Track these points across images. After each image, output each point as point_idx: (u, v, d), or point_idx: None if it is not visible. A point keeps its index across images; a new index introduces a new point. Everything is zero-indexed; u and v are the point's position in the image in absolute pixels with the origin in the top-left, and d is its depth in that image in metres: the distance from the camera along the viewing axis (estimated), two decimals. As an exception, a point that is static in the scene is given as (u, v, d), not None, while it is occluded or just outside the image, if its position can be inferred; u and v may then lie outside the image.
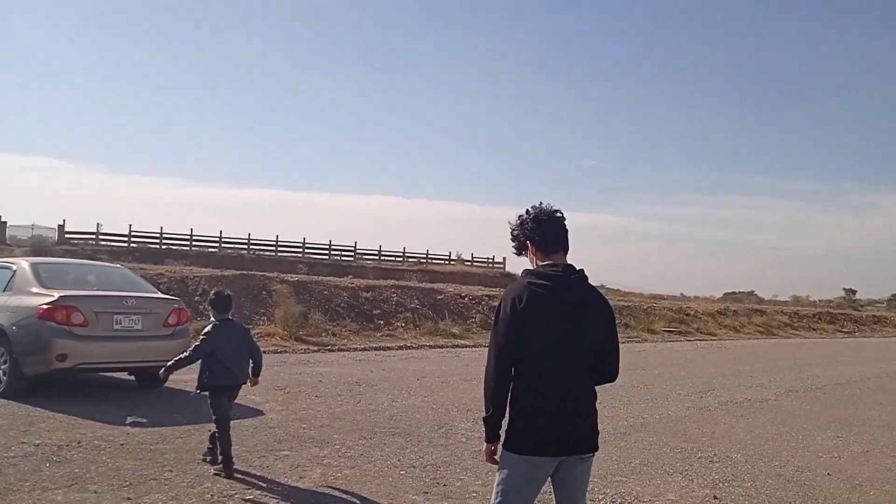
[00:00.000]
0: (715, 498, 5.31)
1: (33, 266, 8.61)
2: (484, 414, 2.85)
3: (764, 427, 8.33)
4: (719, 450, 6.94)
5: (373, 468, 5.62)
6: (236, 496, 4.73)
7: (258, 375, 5.76)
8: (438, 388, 10.10)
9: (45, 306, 7.66)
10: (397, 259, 42.21)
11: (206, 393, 5.43)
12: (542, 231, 2.97)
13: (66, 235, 32.13)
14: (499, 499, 2.83)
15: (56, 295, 7.79)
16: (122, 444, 5.91)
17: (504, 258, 45.75)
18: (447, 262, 43.32)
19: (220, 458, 5.25)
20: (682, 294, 46.77)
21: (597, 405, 2.92)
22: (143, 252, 30.51)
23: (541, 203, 3.05)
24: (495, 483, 2.87)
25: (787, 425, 8.53)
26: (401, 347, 16.30)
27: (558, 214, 3.02)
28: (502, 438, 2.86)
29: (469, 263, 44.19)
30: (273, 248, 37.94)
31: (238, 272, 19.50)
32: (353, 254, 40.79)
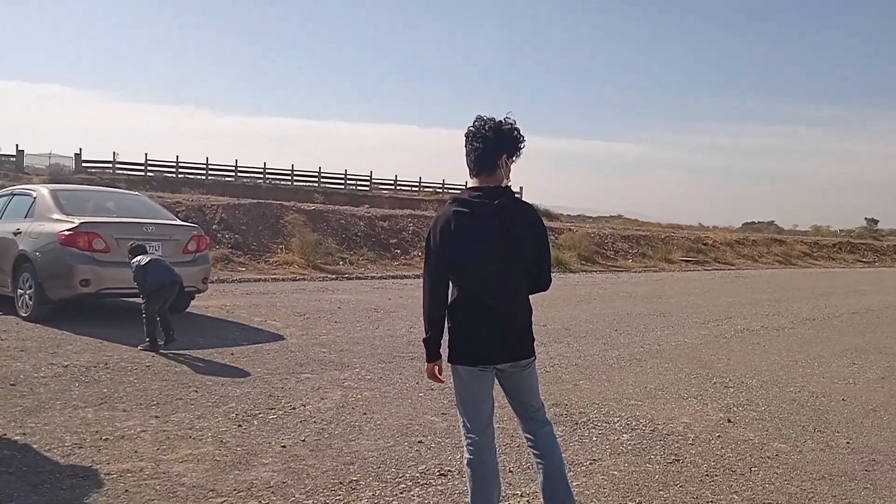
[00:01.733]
0: (729, 421, 5.38)
1: (53, 193, 8.66)
2: (425, 335, 2.98)
3: (780, 354, 8.37)
4: (734, 376, 7.00)
5: (392, 390, 5.74)
6: (260, 415, 4.86)
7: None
8: (455, 314, 10.20)
9: (66, 232, 7.73)
10: (413, 189, 42.06)
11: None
12: (469, 149, 2.98)
13: (84, 164, 32.20)
14: (464, 408, 3.07)
15: (77, 221, 7.86)
16: (147, 366, 6.06)
17: (521, 187, 45.42)
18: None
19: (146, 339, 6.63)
20: (700, 224, 46.48)
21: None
22: (159, 181, 30.58)
23: (480, 116, 2.98)
24: (455, 396, 3.10)
25: (803, 353, 8.56)
26: (417, 276, 16.39)
27: (487, 129, 2.93)
28: (444, 357, 3.04)
29: (485, 193, 43.93)
30: (289, 178, 37.88)
31: (255, 201, 19.54)
32: (368, 183, 40.68)
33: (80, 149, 32.61)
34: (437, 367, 3.07)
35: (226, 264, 14.92)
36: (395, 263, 17.72)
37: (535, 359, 3.16)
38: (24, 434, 4.20)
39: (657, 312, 11.67)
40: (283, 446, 4.26)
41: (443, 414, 5.13)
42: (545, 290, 3.21)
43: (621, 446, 4.68)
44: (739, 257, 30.04)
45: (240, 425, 4.63)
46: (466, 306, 2.95)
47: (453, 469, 4.06)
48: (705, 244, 30.20)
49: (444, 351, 3.04)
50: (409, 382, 6.01)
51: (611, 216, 50.13)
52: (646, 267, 23.54)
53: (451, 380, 3.09)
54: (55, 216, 8.10)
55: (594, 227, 30.56)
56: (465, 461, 3.07)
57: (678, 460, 4.46)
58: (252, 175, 36.98)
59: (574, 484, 3.93)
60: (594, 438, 4.80)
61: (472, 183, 3.01)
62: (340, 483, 3.77)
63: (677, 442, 4.83)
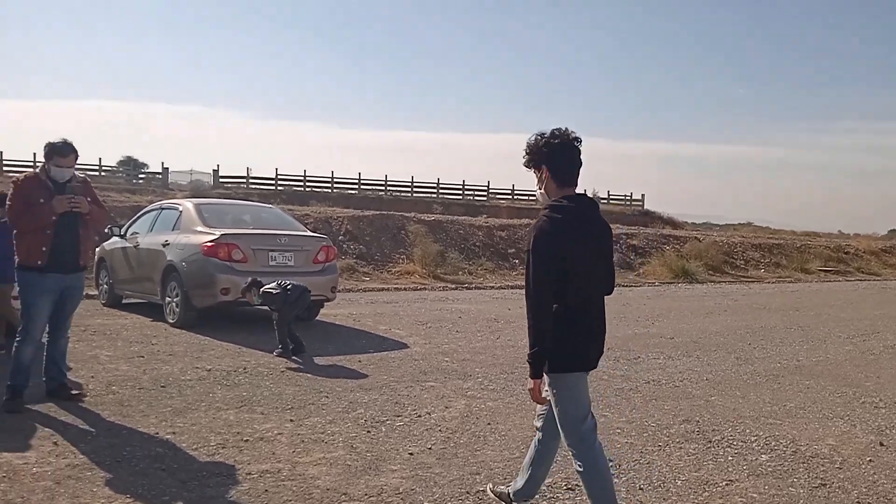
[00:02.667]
0: (881, 444, 4.97)
1: (197, 207, 9.28)
2: (531, 350, 2.97)
3: (938, 373, 7.66)
4: (885, 395, 6.46)
5: (515, 401, 5.71)
6: (387, 422, 4.97)
7: None
8: (577, 325, 10.04)
9: (209, 244, 8.26)
10: (531, 198, 41.85)
11: None
12: (564, 160, 3.12)
13: (220, 179, 34.32)
14: (573, 418, 3.10)
15: (218, 233, 8.38)
16: (282, 372, 6.36)
17: (643, 195, 44.21)
18: (582, 201, 42.38)
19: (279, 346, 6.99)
20: (839, 231, 43.44)
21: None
22: (288, 194, 32.07)
23: (565, 128, 3.14)
24: (560, 408, 3.10)
25: (966, 372, 7.79)
26: (537, 286, 16.29)
27: (578, 141, 3.13)
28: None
29: (605, 201, 43.09)
30: (409, 189, 38.73)
31: (377, 212, 20.11)
32: (486, 193, 40.87)
33: (218, 165, 34.82)
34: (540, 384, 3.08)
35: (351, 274, 15.43)
36: (514, 273, 17.67)
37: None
38: (174, 433, 4.51)
39: (795, 326, 10.99)
40: (411, 453, 4.33)
41: (568, 427, 5.05)
42: (610, 294, 3.34)
43: (760, 467, 4.42)
44: (886, 267, 27.78)
45: (369, 431, 4.76)
46: (575, 312, 3.05)
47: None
48: (846, 253, 28.16)
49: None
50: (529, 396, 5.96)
51: (739, 224, 47.75)
52: (780, 277, 22.25)
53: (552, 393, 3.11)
54: (199, 228, 8.67)
55: (722, 235, 29.23)
56: (586, 470, 3.13)
57: (824, 485, 4.17)
58: (374, 187, 38.09)
59: (709, 505, 3.76)
60: (730, 458, 4.57)
61: (560, 192, 3.11)
62: (467, 493, 3.79)
63: (823, 465, 4.51)
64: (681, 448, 4.71)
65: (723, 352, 8.39)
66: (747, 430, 5.18)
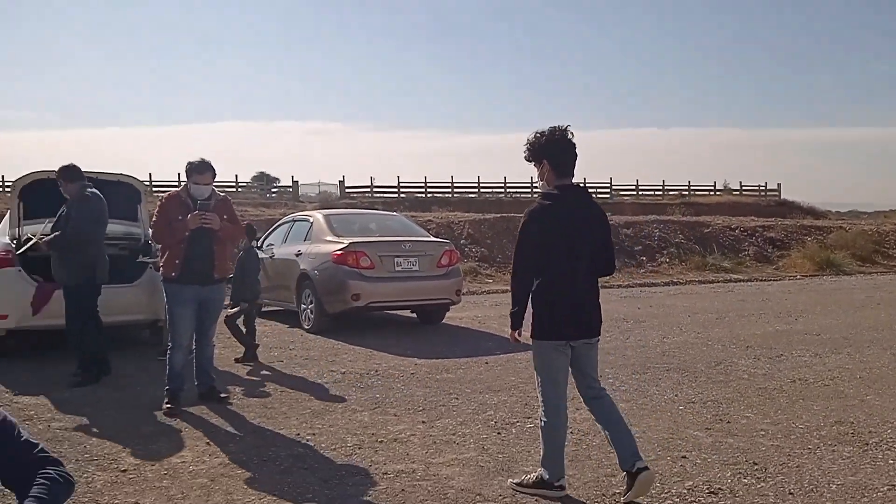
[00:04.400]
0: None
1: (327, 217, 9.68)
2: (512, 310, 3.63)
3: None
4: None
5: (649, 402, 5.54)
6: (518, 424, 4.96)
7: None
8: (712, 324, 9.61)
9: (338, 252, 8.59)
10: (657, 193, 40.50)
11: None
12: (561, 154, 3.56)
13: (346, 190, 35.56)
14: (544, 378, 3.64)
15: (347, 242, 8.69)
16: (412, 374, 6.49)
17: (779, 184, 41.70)
18: (712, 193, 40.56)
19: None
20: None
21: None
22: (411, 201, 32.76)
23: (559, 125, 3.57)
24: (536, 368, 3.71)
25: None
26: (666, 283, 15.77)
27: (573, 139, 3.57)
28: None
29: (738, 193, 40.97)
30: (528, 190, 38.55)
31: (498, 215, 20.14)
32: (608, 190, 39.95)
33: (343, 176, 36.10)
34: (519, 333, 3.75)
35: (474, 277, 15.54)
36: (642, 271, 17.18)
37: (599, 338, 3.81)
38: (314, 434, 4.71)
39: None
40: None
41: (706, 429, 4.83)
42: (610, 274, 3.87)
43: (927, 472, 4.05)
44: None
45: (499, 433, 4.77)
46: (553, 286, 3.54)
47: (724, 487, 3.80)
48: None
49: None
50: (666, 395, 5.77)
51: (890, 210, 44.01)
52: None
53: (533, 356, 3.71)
54: (329, 238, 9.03)
55: (871, 223, 27.04)
56: (545, 425, 3.63)
57: None
58: (494, 190, 38.19)
59: (870, 513, 3.48)
60: (891, 461, 4.21)
61: (558, 181, 3.57)
62: (603, 495, 3.71)
63: None
64: (834, 451, 4.39)
65: (877, 348, 7.75)
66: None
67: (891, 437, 4.65)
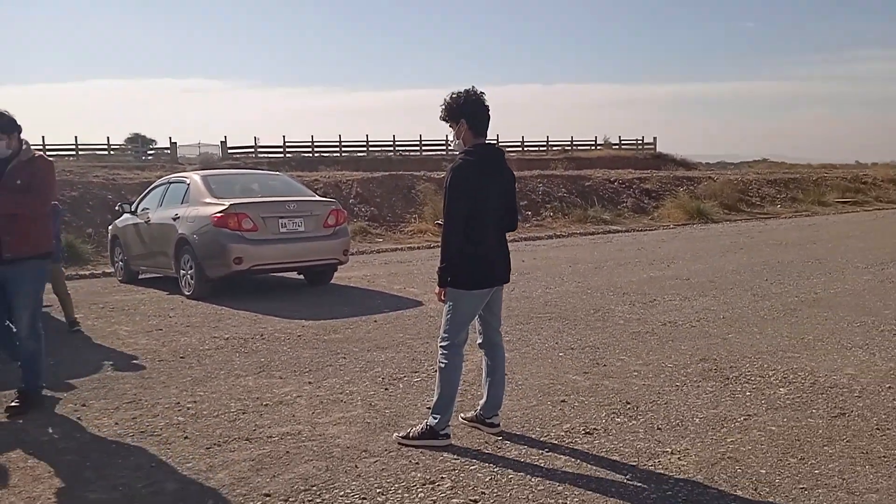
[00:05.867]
0: (901, 372, 4.95)
1: (204, 178, 9.28)
2: (440, 265, 3.72)
3: (958, 297, 7.58)
4: (905, 323, 6.41)
5: (531, 351, 5.73)
6: (405, 378, 5.01)
7: None
8: (592, 273, 10.02)
9: (218, 215, 8.27)
10: (541, 149, 41.50)
11: None
12: (479, 114, 3.74)
13: (229, 151, 34.26)
14: (455, 325, 3.77)
15: (227, 204, 8.38)
16: (299, 336, 6.40)
17: (654, 138, 43.66)
18: (593, 148, 42.01)
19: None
20: (857, 162, 42.70)
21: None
22: (297, 161, 31.98)
23: (473, 87, 3.76)
24: (449, 316, 3.78)
25: None
26: (550, 237, 16.25)
27: (487, 102, 3.77)
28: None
29: (617, 147, 42.61)
30: (417, 148, 38.50)
31: (387, 173, 20.03)
32: (494, 140, 40.55)
33: (225, 137, 34.86)
34: (444, 290, 3.79)
35: (364, 236, 15.44)
36: (527, 225, 17.59)
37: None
38: (195, 402, 4.57)
39: (812, 259, 10.90)
40: (428, 408, 4.36)
41: (584, 373, 5.06)
42: (514, 229, 4.03)
43: (778, 401, 4.42)
44: (905, 194, 27.34)
45: (386, 389, 4.80)
46: (478, 240, 3.71)
47: (598, 427, 4.00)
48: (864, 183, 27.76)
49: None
50: (547, 343, 5.98)
51: (754, 161, 47.12)
52: (796, 212, 22.00)
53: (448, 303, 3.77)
54: (208, 200, 8.67)
55: (737, 173, 28.88)
56: (447, 367, 3.80)
57: (844, 414, 4.16)
58: (382, 148, 37.90)
59: (728, 441, 3.78)
60: (748, 394, 4.57)
61: (475, 140, 3.76)
62: (486, 442, 3.83)
63: (842, 395, 4.50)
64: (698, 387, 4.71)
65: (739, 289, 8.34)
66: (765, 365, 5.17)
67: (748, 371, 5.04)
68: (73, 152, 33.08)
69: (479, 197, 3.68)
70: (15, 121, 4.46)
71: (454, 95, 3.75)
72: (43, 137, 32.40)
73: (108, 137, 35.64)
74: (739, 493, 3.20)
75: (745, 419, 4.12)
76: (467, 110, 3.73)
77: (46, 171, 4.54)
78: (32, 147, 4.63)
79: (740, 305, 7.40)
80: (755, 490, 3.22)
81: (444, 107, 3.79)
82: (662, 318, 6.82)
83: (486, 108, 3.78)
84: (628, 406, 4.36)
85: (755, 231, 16.49)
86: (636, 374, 5.03)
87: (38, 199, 4.47)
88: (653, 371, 5.09)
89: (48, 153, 31.72)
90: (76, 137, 34.23)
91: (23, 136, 4.54)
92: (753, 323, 6.58)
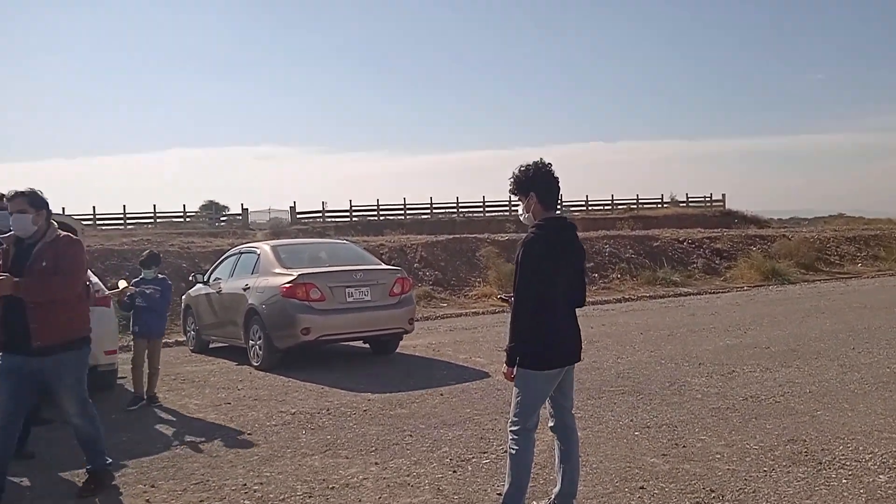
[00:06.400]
0: None
1: (274, 249, 9.45)
2: (509, 344, 3.60)
3: None
4: None
5: (605, 429, 5.49)
6: (473, 460, 4.85)
7: None
8: (664, 341, 9.68)
9: (287, 285, 8.37)
10: (606, 207, 41.16)
11: None
12: (548, 187, 3.69)
13: (298, 216, 35.17)
14: (526, 408, 3.61)
15: (295, 274, 8.48)
16: (365, 411, 6.32)
17: (723, 195, 42.78)
18: (660, 206, 41.41)
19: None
20: (942, 215, 40.64)
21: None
22: (363, 224, 32.58)
23: (541, 159, 3.71)
24: (519, 398, 3.63)
25: None
26: (619, 300, 15.89)
27: (556, 173, 3.72)
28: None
29: (684, 204, 41.89)
30: (481, 209, 38.72)
31: (450, 236, 20.10)
32: (559, 206, 40.42)
33: (294, 202, 35.75)
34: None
35: (428, 301, 15.41)
36: (594, 288, 17.26)
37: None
38: (261, 484, 4.51)
39: (902, 324, 10.26)
40: (499, 493, 4.18)
41: (663, 455, 4.80)
42: (582, 306, 3.88)
43: (879, 490, 4.07)
44: None
45: (454, 471, 4.64)
46: (549, 317, 3.59)
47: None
48: (953, 238, 26.27)
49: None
50: (622, 420, 5.73)
51: (830, 216, 45.53)
52: (879, 271, 20.96)
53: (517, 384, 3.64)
54: (277, 270, 8.81)
55: (812, 230, 27.86)
56: (517, 453, 3.63)
57: (956, 509, 3.79)
58: (446, 210, 38.28)
59: (827, 539, 3.46)
60: (844, 481, 4.23)
61: (545, 214, 3.69)
62: (561, 535, 3.62)
63: (952, 485, 4.11)
64: (788, 473, 4.39)
65: (824, 359, 7.88)
66: (860, 448, 4.80)
67: (842, 455, 4.68)
68: (152, 220, 34.57)
69: (551, 273, 3.58)
70: (43, 197, 4.28)
71: (523, 168, 3.71)
72: (124, 206, 34.04)
73: (184, 205, 37.07)
74: None
75: (843, 512, 3.79)
76: (537, 184, 3.68)
77: (75, 250, 4.32)
78: (79, 219, 4.69)
79: (827, 378, 6.97)
80: None
81: (512, 180, 3.74)
82: (743, 392, 6.47)
83: (556, 181, 3.73)
84: (713, 495, 4.08)
85: (836, 293, 15.74)
86: (719, 456, 4.74)
87: (68, 281, 4.23)
88: (737, 454, 4.78)
89: (128, 221, 33.30)
90: (154, 206, 35.82)
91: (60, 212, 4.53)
92: (843, 398, 6.16)
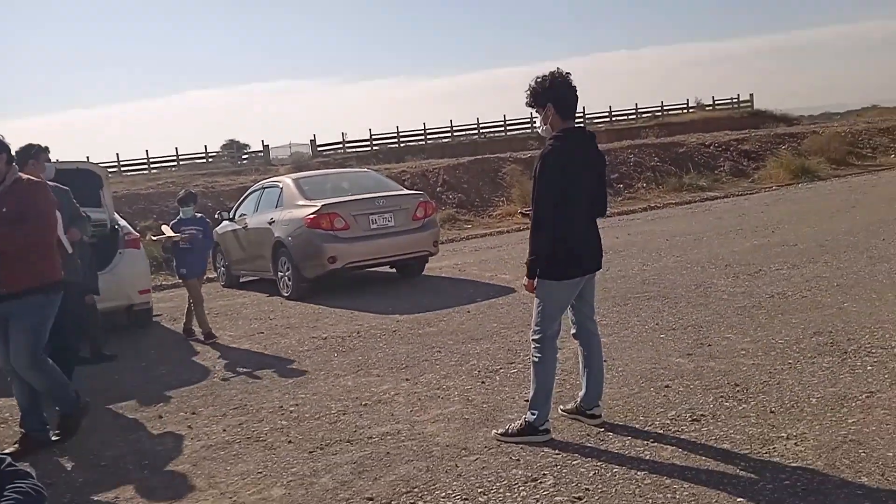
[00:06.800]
0: None
1: (296, 181, 9.51)
2: (530, 257, 3.58)
3: None
4: None
5: (630, 334, 5.55)
6: (501, 371, 4.96)
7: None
8: (691, 246, 9.62)
9: (311, 216, 8.45)
10: (630, 117, 40.26)
11: None
12: (566, 97, 3.60)
13: (319, 149, 35.04)
14: (547, 317, 3.66)
15: (319, 205, 8.55)
16: (394, 331, 6.46)
17: (751, 95, 41.46)
18: (686, 111, 40.39)
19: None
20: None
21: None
22: (384, 153, 32.37)
23: (558, 69, 3.61)
24: (540, 308, 3.67)
25: None
26: (644, 209, 15.75)
27: (573, 83, 3.61)
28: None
29: (710, 108, 40.79)
30: (502, 128, 38.16)
31: (472, 158, 19.95)
32: (581, 120, 39.66)
33: (314, 135, 35.55)
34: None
35: (453, 223, 15.46)
36: (619, 199, 17.11)
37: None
38: (297, 405, 4.68)
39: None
40: (526, 401, 4.28)
41: (688, 355, 4.85)
42: (604, 215, 3.87)
43: (905, 375, 4.09)
44: None
45: (483, 382, 4.76)
46: (571, 227, 3.60)
47: (706, 413, 3.82)
48: None
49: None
50: (647, 324, 5.78)
51: (863, 108, 44.06)
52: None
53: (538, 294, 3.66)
54: (300, 202, 8.88)
55: (843, 124, 27.06)
56: (541, 361, 3.69)
57: (982, 387, 3.80)
58: (467, 132, 37.80)
59: (849, 422, 3.53)
60: (869, 368, 4.25)
61: (563, 125, 3.62)
62: (588, 435, 3.72)
63: (979, 365, 4.11)
64: (813, 363, 4.43)
65: (853, 253, 7.79)
66: (887, 336, 4.80)
67: (868, 343, 4.69)
68: (175, 163, 34.77)
69: (569, 184, 3.54)
70: (3, 142, 4.05)
71: (539, 79, 3.62)
72: (147, 151, 34.22)
73: (205, 146, 37.00)
74: (864, 479, 2.97)
75: (867, 397, 3.83)
76: (553, 94, 3.60)
77: (39, 195, 4.10)
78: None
79: (855, 270, 6.91)
80: (882, 476, 2.98)
81: (529, 92, 3.66)
82: (770, 290, 6.46)
83: (574, 90, 3.63)
84: (737, 389, 4.14)
85: (867, 186, 15.40)
86: (744, 353, 4.78)
87: (35, 229, 4.04)
88: (762, 349, 4.82)
89: (152, 165, 33.56)
90: (176, 149, 35.94)
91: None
92: (871, 289, 6.12)
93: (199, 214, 7.34)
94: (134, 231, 7.95)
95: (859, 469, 3.06)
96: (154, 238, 7.51)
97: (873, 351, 4.54)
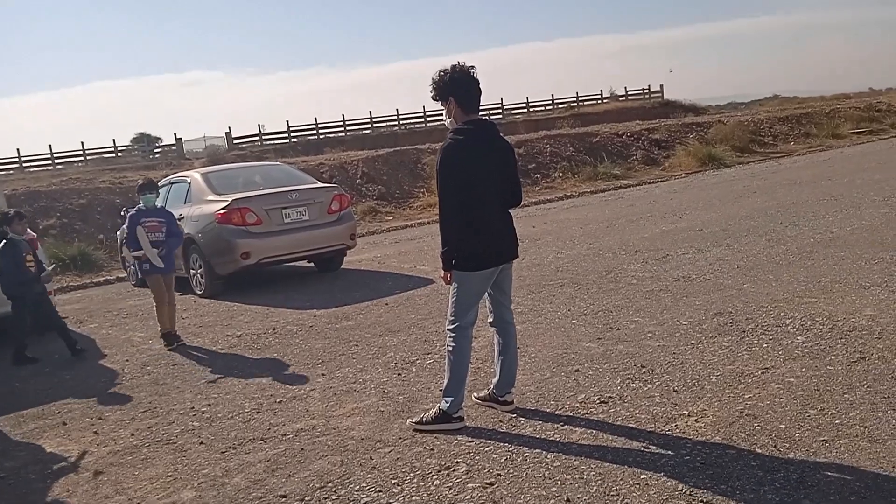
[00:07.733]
0: (922, 308, 4.83)
1: (205, 176, 9.23)
2: (442, 249, 3.66)
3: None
4: (925, 255, 6.26)
5: (543, 321, 5.67)
6: (417, 362, 4.98)
7: None
8: (603, 233, 9.90)
9: (222, 211, 8.23)
10: (547, 107, 40.95)
11: None
12: (468, 91, 3.62)
13: (235, 141, 34.17)
14: (462, 307, 3.73)
15: (229, 199, 8.33)
16: (311, 326, 6.39)
17: (661, 85, 42.88)
18: (600, 102, 41.39)
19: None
20: (871, 89, 41.74)
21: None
22: (303, 145, 31.84)
23: (459, 62, 3.64)
24: (455, 298, 3.73)
25: None
26: (561, 198, 16.08)
27: (477, 76, 3.64)
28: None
29: (623, 99, 41.95)
30: (422, 120, 38.16)
31: (391, 150, 19.88)
32: (500, 110, 40.09)
33: (230, 127, 34.59)
34: (450, 273, 3.72)
35: (373, 216, 15.38)
36: (536, 188, 17.41)
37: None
38: (209, 405, 4.58)
39: (827, 196, 10.67)
40: (441, 389, 4.32)
41: (598, 339, 5.00)
42: (518, 204, 3.92)
43: (796, 350, 4.34)
44: (922, 118, 26.67)
45: (399, 374, 4.77)
46: (477, 220, 3.62)
47: (614, 395, 3.95)
48: (878, 111, 27.12)
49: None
50: (559, 311, 5.92)
51: (765, 98, 46.27)
52: (810, 148, 21.57)
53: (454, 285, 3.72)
54: (210, 197, 8.63)
55: (747, 113, 28.35)
56: (455, 350, 3.75)
57: (864, 358, 4.07)
58: (387, 123, 37.62)
59: (745, 397, 3.72)
60: (765, 345, 4.49)
61: (466, 117, 3.64)
62: (501, 421, 3.79)
63: (861, 338, 4.41)
64: (714, 343, 4.64)
65: (753, 236, 8.19)
66: (781, 314, 5.07)
67: (764, 322, 4.95)
68: (82, 158, 33.20)
69: (471, 176, 3.57)
70: None
71: (441, 73, 3.63)
72: (50, 146, 32.55)
73: (113, 140, 35.52)
74: (759, 450, 3.14)
75: (762, 373, 4.04)
76: (455, 87, 3.61)
77: None
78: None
79: (755, 253, 7.27)
80: (774, 447, 3.16)
81: (432, 86, 3.67)
82: (676, 274, 6.72)
83: (476, 83, 3.64)
84: (643, 370, 4.30)
85: (768, 172, 16.20)
86: (650, 335, 4.96)
87: None
88: (667, 331, 5.02)
89: (56, 161, 31.91)
90: (82, 143, 34.30)
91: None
92: (769, 270, 6.46)
93: (161, 205, 6.92)
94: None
95: (754, 442, 3.23)
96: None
97: (769, 329, 4.79)
